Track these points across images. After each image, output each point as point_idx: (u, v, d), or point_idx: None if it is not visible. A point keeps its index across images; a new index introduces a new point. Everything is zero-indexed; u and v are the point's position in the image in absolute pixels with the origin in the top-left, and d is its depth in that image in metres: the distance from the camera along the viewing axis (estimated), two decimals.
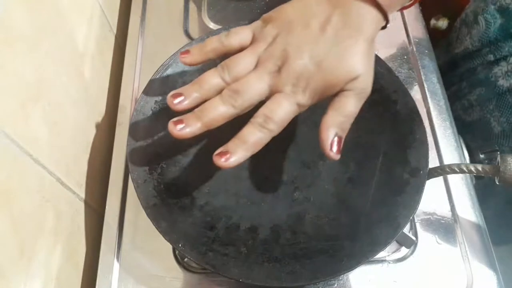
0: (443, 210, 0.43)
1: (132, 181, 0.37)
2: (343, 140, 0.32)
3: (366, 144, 0.42)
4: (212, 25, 0.55)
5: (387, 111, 0.41)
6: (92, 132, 0.47)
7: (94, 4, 0.49)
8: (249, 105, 0.32)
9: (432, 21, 0.66)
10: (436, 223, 0.42)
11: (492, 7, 0.50)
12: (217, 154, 0.31)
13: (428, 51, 0.52)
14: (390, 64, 0.42)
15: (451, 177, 0.44)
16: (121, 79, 0.51)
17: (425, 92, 0.49)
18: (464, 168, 0.35)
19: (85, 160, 0.45)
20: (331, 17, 0.31)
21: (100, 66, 0.51)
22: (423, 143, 0.38)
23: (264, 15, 0.34)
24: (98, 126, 0.48)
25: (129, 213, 0.43)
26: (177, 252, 0.41)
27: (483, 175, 0.35)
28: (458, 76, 0.57)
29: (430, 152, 0.38)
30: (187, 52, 0.34)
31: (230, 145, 0.31)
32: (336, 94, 0.32)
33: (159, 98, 0.41)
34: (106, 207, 0.44)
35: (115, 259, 0.41)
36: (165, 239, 0.35)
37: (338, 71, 0.31)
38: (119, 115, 0.49)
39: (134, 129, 0.39)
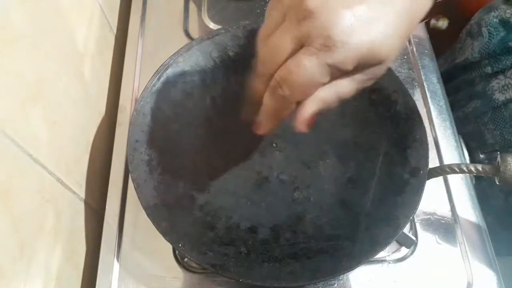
0: (443, 210, 0.43)
1: (132, 181, 0.37)
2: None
3: (366, 144, 0.42)
4: (212, 25, 0.55)
5: (387, 111, 0.41)
6: (92, 132, 0.47)
7: (94, 4, 0.49)
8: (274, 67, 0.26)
9: (432, 21, 0.66)
10: (436, 223, 0.42)
11: (495, 20, 0.50)
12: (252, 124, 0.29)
13: (428, 51, 0.52)
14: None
15: (451, 177, 0.44)
16: (121, 79, 0.51)
17: (425, 92, 0.49)
18: (464, 168, 0.35)
19: (85, 160, 0.45)
20: None
21: (100, 66, 0.51)
22: (423, 143, 0.38)
23: None
24: (98, 126, 0.48)
25: (129, 213, 0.43)
26: (177, 252, 0.41)
27: (483, 175, 0.34)
28: (455, 87, 0.57)
29: (430, 152, 0.38)
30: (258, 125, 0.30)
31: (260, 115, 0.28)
32: None
33: (159, 98, 0.41)
34: (106, 207, 0.44)
35: (115, 259, 0.41)
36: (165, 239, 0.35)
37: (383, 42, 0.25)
38: (119, 115, 0.49)
39: (134, 129, 0.39)
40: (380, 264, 0.40)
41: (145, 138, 0.40)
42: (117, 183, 0.45)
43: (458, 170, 0.35)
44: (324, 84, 0.26)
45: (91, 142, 0.46)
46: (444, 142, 0.46)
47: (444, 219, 0.43)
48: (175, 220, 0.37)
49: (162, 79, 0.42)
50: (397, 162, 0.39)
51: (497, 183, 0.33)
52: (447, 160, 0.45)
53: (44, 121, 0.36)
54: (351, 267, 0.34)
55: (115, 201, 0.44)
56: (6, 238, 0.30)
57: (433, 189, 0.43)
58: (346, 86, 0.27)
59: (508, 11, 0.49)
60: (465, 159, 0.46)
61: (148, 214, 0.36)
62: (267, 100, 0.27)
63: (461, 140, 0.47)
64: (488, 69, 0.50)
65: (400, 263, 0.41)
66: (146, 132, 0.40)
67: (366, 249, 0.34)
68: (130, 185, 0.44)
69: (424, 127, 0.39)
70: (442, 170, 0.37)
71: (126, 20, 0.55)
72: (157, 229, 0.35)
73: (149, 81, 0.41)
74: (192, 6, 0.57)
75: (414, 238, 0.41)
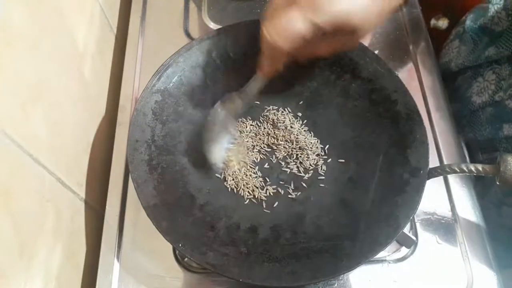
0: (443, 210, 0.43)
1: (132, 181, 0.37)
2: None
3: (366, 144, 0.42)
4: (212, 25, 0.55)
5: (387, 111, 0.41)
6: (92, 132, 0.47)
7: (94, 4, 0.49)
8: None
9: (432, 21, 0.66)
10: (436, 223, 0.42)
11: (476, 26, 0.48)
12: None
13: (428, 51, 0.52)
14: (390, 64, 0.42)
15: (451, 177, 0.44)
16: (121, 79, 0.51)
17: (425, 92, 0.49)
18: (464, 168, 0.35)
19: (85, 160, 0.45)
20: None
21: (100, 66, 0.51)
22: (423, 143, 0.38)
23: None
24: (98, 126, 0.48)
25: (129, 213, 0.43)
26: (177, 252, 0.41)
27: (483, 175, 0.35)
28: None
29: (430, 152, 0.38)
30: None
31: None
32: None
33: (159, 98, 0.41)
34: (106, 207, 0.44)
35: (115, 259, 0.41)
36: (165, 239, 0.35)
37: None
38: (119, 115, 0.49)
39: (134, 129, 0.39)
40: (380, 264, 0.40)
41: (145, 138, 0.40)
42: (117, 183, 0.45)
43: (458, 170, 0.35)
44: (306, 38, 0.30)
45: (91, 142, 0.46)
46: (444, 142, 0.46)
47: (444, 219, 0.43)
48: (175, 220, 0.37)
49: (162, 79, 0.42)
50: (397, 162, 0.39)
51: (497, 183, 0.33)
52: (447, 160, 0.45)
53: (44, 121, 0.36)
54: (351, 267, 0.34)
55: (115, 201, 0.44)
56: (6, 238, 0.30)
57: (433, 189, 0.43)
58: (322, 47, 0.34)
59: (487, 16, 0.46)
60: (465, 159, 0.46)
61: (148, 214, 0.36)
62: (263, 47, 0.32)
63: (461, 140, 0.47)
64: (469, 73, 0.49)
65: (400, 263, 0.41)
66: (146, 132, 0.40)
67: (366, 249, 0.34)
68: (130, 185, 0.44)
69: (424, 127, 0.39)
70: (442, 170, 0.37)
71: (126, 20, 0.55)
72: (157, 229, 0.35)
73: (149, 81, 0.41)
74: (192, 6, 0.57)
75: (414, 238, 0.41)
